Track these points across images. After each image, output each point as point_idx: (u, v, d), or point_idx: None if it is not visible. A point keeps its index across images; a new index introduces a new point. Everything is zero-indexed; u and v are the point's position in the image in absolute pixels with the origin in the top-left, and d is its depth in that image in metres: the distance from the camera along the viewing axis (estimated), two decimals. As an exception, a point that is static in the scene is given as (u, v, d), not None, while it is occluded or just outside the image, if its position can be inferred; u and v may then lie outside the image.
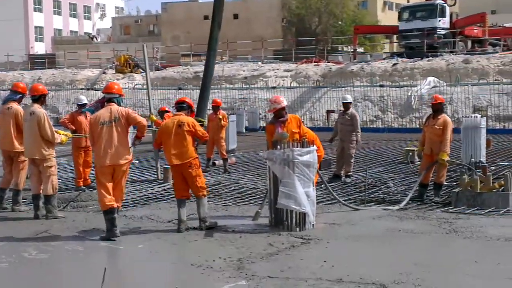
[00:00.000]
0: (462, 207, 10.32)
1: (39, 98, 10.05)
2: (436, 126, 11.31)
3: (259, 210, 9.64)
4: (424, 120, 12.24)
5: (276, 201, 8.89)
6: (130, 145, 8.77)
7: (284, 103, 9.64)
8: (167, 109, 15.81)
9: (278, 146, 8.93)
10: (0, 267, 7.12)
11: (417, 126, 28.96)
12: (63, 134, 10.50)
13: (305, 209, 8.75)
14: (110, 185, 8.50)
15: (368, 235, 8.42)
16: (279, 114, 9.55)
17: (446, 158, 11.25)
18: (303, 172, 8.81)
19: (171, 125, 8.96)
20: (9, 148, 10.34)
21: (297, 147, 8.86)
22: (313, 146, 9.06)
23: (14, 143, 10.25)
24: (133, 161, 17.47)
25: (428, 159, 11.49)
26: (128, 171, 8.85)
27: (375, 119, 30.45)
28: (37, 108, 9.92)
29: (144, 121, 8.71)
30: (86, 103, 13.47)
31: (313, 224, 8.92)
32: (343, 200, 10.73)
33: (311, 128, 28.84)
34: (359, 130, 14.15)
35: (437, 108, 11.57)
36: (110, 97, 8.83)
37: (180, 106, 9.22)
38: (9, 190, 10.64)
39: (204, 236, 8.56)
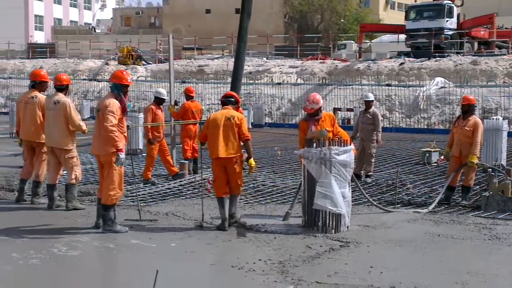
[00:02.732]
0: (492, 212, 10.05)
1: (64, 88, 9.76)
2: (466, 128, 10.99)
3: (290, 211, 9.33)
4: (453, 121, 11.91)
5: (310, 201, 8.59)
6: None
7: (321, 102, 9.30)
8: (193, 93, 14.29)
9: (314, 144, 8.62)
10: (31, 264, 6.79)
11: (425, 127, 28.79)
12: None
13: (342, 211, 8.46)
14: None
15: (409, 240, 8.11)
16: (314, 112, 9.24)
17: (476, 161, 10.96)
18: (339, 172, 8.51)
19: (220, 117, 8.69)
20: (34, 139, 10.00)
21: (334, 145, 8.56)
22: (350, 145, 8.76)
23: (40, 133, 9.90)
24: (144, 154, 17.37)
25: (456, 161, 11.18)
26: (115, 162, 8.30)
27: (382, 118, 30.06)
28: (62, 97, 9.64)
29: (109, 127, 8.11)
30: (165, 98, 13.24)
31: (347, 226, 8.63)
32: (365, 201, 10.48)
33: (317, 126, 28.73)
34: (380, 130, 13.88)
35: (467, 109, 11.24)
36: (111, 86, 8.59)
37: (228, 100, 8.99)
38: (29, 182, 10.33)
39: (238, 236, 8.25)
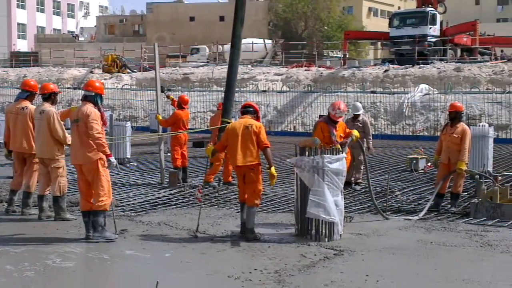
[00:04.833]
0: (482, 219, 10.13)
1: (49, 97, 9.70)
2: (454, 135, 11.09)
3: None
4: (442, 128, 12.01)
5: (303, 210, 8.62)
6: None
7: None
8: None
9: (307, 153, 8.66)
10: (26, 276, 6.74)
11: (410, 133, 28.98)
12: None
13: (335, 219, 8.50)
14: (83, 185, 8.43)
15: (401, 247, 8.16)
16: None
17: (465, 167, 11.05)
18: (332, 180, 8.56)
19: (238, 126, 8.74)
20: (25, 150, 9.92)
21: (327, 154, 8.60)
22: (342, 153, 8.81)
23: (32, 144, 9.85)
24: (131, 163, 17.31)
25: (445, 168, 11.27)
26: (103, 171, 8.36)
27: (369, 125, 30.26)
28: (48, 107, 9.60)
29: (96, 134, 8.23)
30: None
31: (340, 234, 8.67)
32: (355, 209, 10.56)
33: (303, 134, 28.80)
34: (371, 137, 14.00)
35: (454, 116, 11.33)
36: (85, 94, 8.59)
37: (246, 109, 9.01)
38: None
39: (232, 245, 8.26)
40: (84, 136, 8.27)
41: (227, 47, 47.05)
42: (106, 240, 8.25)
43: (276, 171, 8.72)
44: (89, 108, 8.36)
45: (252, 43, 45.02)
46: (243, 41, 40.96)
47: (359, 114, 13.89)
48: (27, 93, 10.22)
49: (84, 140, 8.28)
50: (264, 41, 46.50)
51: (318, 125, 9.81)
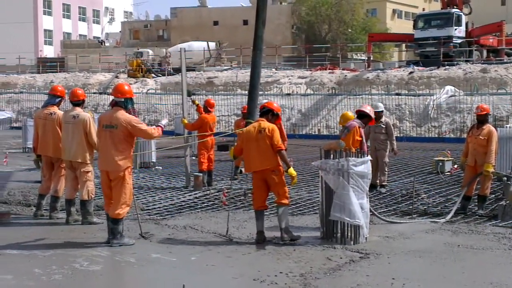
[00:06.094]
0: (510, 221, 10.00)
1: (81, 103, 9.87)
2: (480, 137, 10.99)
3: None
4: (468, 130, 11.90)
5: (328, 213, 8.60)
6: None
7: None
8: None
9: (332, 156, 8.65)
10: (54, 279, 6.83)
11: (435, 136, 28.76)
12: None
13: (360, 222, 8.46)
14: (108, 190, 8.43)
15: (428, 250, 8.10)
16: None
17: (491, 169, 10.94)
18: (357, 183, 8.52)
19: (252, 130, 8.69)
20: (55, 155, 10.03)
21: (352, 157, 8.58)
22: (367, 156, 8.78)
23: (60, 149, 9.96)
24: (157, 167, 17.43)
25: (471, 170, 11.17)
26: (128, 179, 8.40)
27: (392, 127, 30.07)
28: (81, 111, 9.75)
29: (149, 131, 8.49)
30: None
31: (366, 237, 8.63)
32: (381, 211, 10.55)
33: (327, 137, 28.70)
34: (395, 139, 13.91)
35: (483, 119, 11.24)
36: (115, 100, 8.54)
37: (261, 111, 8.96)
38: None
39: (257, 248, 8.27)
40: (118, 143, 8.26)
41: (172, 52, 47.16)
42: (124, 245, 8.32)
43: (296, 172, 8.69)
44: (124, 114, 8.31)
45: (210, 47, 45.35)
46: (184, 45, 40.41)
47: (381, 115, 13.69)
48: (57, 98, 10.36)
49: (116, 147, 8.26)
50: (207, 43, 46.78)
51: (354, 129, 9.87)
